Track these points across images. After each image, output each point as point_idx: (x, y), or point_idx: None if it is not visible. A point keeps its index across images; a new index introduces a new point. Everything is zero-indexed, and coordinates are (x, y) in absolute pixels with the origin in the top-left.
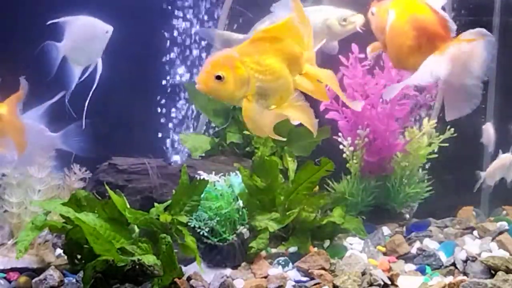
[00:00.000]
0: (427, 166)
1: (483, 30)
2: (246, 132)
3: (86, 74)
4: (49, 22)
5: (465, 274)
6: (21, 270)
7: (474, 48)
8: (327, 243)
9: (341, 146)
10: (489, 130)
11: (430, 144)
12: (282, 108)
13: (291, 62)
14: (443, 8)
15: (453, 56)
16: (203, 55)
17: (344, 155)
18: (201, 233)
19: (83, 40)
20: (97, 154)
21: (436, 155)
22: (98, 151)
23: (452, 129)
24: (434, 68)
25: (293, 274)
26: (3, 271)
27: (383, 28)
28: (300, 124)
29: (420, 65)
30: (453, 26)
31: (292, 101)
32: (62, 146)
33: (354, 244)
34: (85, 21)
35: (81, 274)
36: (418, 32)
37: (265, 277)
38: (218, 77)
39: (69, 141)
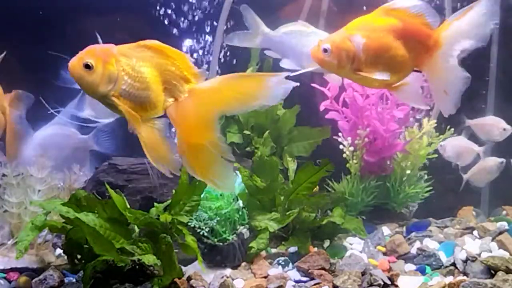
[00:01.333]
0: (427, 166)
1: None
2: (246, 132)
3: None
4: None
5: (465, 274)
6: (21, 270)
7: (472, 17)
8: (327, 243)
9: (341, 146)
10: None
11: (430, 144)
12: (139, 125)
13: (168, 82)
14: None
15: (453, 39)
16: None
17: (344, 155)
18: (201, 233)
19: None
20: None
21: (436, 155)
22: (127, 149)
23: (452, 129)
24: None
25: (293, 274)
26: (3, 271)
27: (350, 57)
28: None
29: (412, 70)
30: (430, 18)
31: (152, 122)
32: (95, 147)
33: (354, 244)
34: None
35: (81, 274)
36: (405, 39)
37: (265, 277)
38: (87, 66)
39: (100, 141)
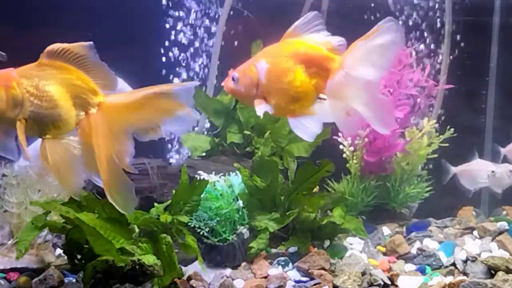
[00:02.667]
0: (427, 166)
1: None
2: (246, 132)
3: None
4: None
5: (465, 274)
6: (21, 270)
7: (377, 40)
8: (327, 243)
9: (341, 146)
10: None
11: (430, 144)
12: (55, 141)
13: (77, 96)
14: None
15: (356, 62)
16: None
17: (344, 155)
18: (201, 233)
19: None
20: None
21: (436, 155)
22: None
23: (452, 129)
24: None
25: (293, 274)
26: (3, 271)
27: (254, 84)
28: None
29: (317, 94)
30: (334, 42)
31: (66, 140)
32: None
33: (354, 244)
34: None
35: (81, 274)
36: (306, 64)
37: (265, 277)
38: None
39: None
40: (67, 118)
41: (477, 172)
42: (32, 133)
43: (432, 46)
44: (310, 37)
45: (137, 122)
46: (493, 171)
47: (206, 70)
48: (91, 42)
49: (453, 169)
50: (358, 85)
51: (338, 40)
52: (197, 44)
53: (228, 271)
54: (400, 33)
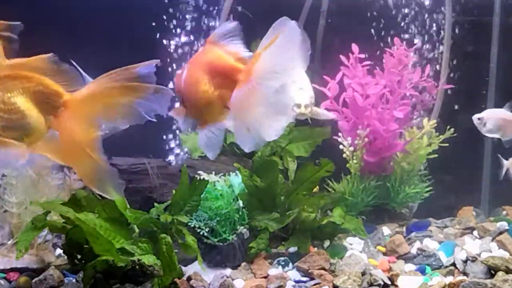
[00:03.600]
0: (427, 166)
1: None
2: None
3: None
4: None
5: (465, 274)
6: (21, 270)
7: (281, 45)
8: (327, 243)
9: (341, 146)
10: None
11: (430, 144)
12: (36, 147)
13: (41, 102)
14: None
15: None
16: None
17: (344, 155)
18: (201, 233)
19: None
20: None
21: (436, 155)
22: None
23: (452, 129)
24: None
25: (293, 274)
26: (3, 271)
27: (179, 91)
28: None
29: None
30: (244, 54)
31: (48, 140)
32: None
33: (354, 244)
34: None
35: (81, 274)
36: (211, 74)
37: (265, 277)
38: None
39: None
40: (38, 125)
41: None
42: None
43: (432, 46)
44: (226, 47)
45: (110, 111)
46: None
47: None
48: (50, 54)
49: (506, 163)
50: (262, 97)
51: (248, 54)
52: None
53: (228, 271)
54: (297, 30)
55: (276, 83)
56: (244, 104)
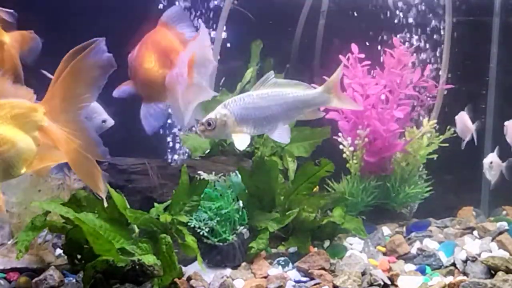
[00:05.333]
0: (426, 166)
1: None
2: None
3: None
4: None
5: (465, 274)
6: (21, 270)
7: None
8: (327, 243)
9: (341, 146)
10: (463, 119)
11: (430, 144)
12: (34, 166)
13: (23, 123)
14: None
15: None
16: None
17: (344, 155)
18: (201, 233)
19: None
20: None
21: (436, 155)
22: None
23: (452, 129)
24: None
25: (293, 274)
26: (3, 271)
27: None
28: None
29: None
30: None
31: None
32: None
33: (354, 244)
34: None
35: (81, 274)
36: (158, 54)
37: (265, 277)
38: None
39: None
40: (29, 147)
41: None
42: (6, 177)
43: (432, 46)
44: (175, 28)
45: (80, 98)
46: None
47: None
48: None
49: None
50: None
51: (191, 34)
52: None
53: (228, 271)
54: (207, 33)
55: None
56: (175, 85)
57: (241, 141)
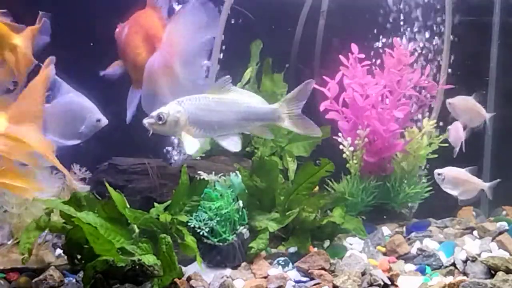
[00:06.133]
0: (426, 166)
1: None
2: (246, 133)
3: None
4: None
5: (465, 274)
6: (21, 270)
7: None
8: (327, 243)
9: (341, 146)
10: (457, 129)
11: (430, 144)
12: None
13: None
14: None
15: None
16: None
17: (344, 155)
18: (201, 233)
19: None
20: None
21: (437, 155)
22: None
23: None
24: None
25: (293, 274)
26: (3, 271)
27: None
28: None
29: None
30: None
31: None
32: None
33: (354, 244)
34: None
35: (81, 274)
36: (146, 40)
37: (265, 277)
38: None
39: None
40: None
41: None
42: None
43: (432, 46)
44: (162, 11)
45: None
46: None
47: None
48: None
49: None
50: (169, 68)
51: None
52: None
53: (228, 271)
54: (198, 4)
55: (185, 50)
56: (154, 71)
57: (190, 145)
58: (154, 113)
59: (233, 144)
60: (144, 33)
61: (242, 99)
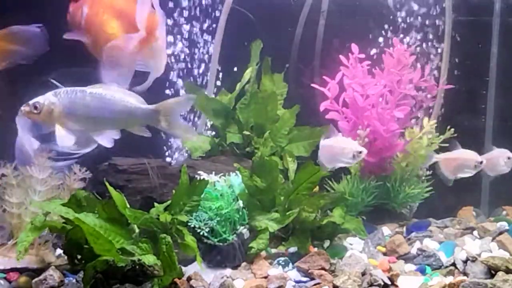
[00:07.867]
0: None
1: None
2: (246, 132)
3: None
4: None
5: (465, 274)
6: (21, 270)
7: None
8: (327, 243)
9: None
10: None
11: (430, 144)
12: None
13: None
14: None
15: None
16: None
17: None
18: (201, 233)
19: None
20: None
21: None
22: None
23: (452, 129)
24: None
25: (293, 274)
26: (3, 271)
27: (78, 23)
28: None
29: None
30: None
31: None
32: None
33: (354, 244)
34: None
35: (81, 274)
36: (121, 19)
37: (265, 277)
38: None
39: None
40: None
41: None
42: None
43: (432, 46)
44: None
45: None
46: (481, 162)
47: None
48: None
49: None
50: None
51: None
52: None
53: (228, 271)
54: None
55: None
56: (115, 52)
57: (63, 139)
58: (31, 101)
59: (106, 140)
60: (109, 8)
61: (120, 97)
